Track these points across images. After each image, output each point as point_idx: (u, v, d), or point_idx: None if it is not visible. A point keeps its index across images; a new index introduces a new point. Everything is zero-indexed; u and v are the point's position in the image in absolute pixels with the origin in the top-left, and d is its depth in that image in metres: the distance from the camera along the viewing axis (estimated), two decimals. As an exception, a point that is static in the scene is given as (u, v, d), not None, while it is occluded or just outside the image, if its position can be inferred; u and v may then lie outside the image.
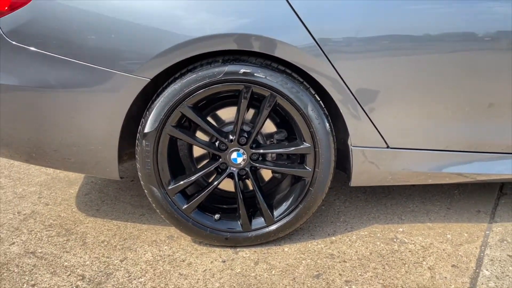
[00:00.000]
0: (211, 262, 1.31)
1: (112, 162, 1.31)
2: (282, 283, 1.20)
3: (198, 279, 1.24)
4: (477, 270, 1.23)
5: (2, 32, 1.23)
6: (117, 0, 1.18)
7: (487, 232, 1.44)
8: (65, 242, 1.44)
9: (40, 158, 1.39)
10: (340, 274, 1.24)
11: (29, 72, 1.25)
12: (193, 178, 1.31)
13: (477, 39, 1.22)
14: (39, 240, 1.45)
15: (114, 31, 1.18)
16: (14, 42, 1.23)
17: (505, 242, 1.38)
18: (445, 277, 1.21)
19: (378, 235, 1.44)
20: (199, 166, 1.43)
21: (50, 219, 1.60)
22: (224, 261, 1.31)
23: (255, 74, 1.21)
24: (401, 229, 1.47)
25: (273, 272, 1.25)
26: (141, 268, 1.29)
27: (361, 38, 1.19)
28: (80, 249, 1.40)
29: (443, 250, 1.34)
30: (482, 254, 1.31)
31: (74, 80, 1.23)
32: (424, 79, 1.23)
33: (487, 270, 1.23)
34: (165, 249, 1.39)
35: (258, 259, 1.31)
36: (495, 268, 1.24)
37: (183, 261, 1.32)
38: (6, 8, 1.22)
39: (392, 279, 1.21)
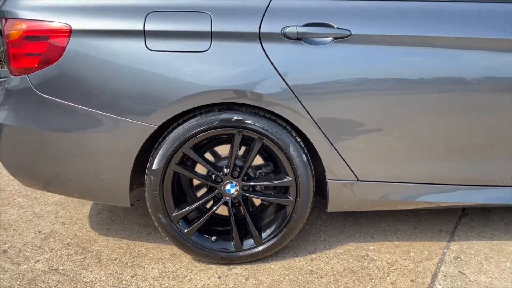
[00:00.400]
0: (209, 278, 1.54)
1: (124, 191, 1.54)
2: (268, 296, 1.44)
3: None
4: (432, 285, 1.47)
5: (31, 85, 1.46)
6: (131, 65, 1.41)
7: (445, 250, 1.68)
8: (82, 259, 1.67)
9: (57, 189, 1.63)
10: (317, 288, 1.48)
11: (53, 118, 1.48)
12: (193, 206, 1.55)
13: (431, 83, 1.44)
14: (60, 258, 1.68)
15: (128, 87, 1.41)
16: (41, 93, 1.46)
17: (458, 259, 1.62)
18: (401, 286, 1.45)
19: (352, 252, 1.68)
20: (198, 195, 1.67)
21: (67, 238, 1.83)
22: (219, 277, 1.54)
23: (245, 121, 1.44)
24: (372, 247, 1.71)
25: (261, 287, 1.48)
26: (149, 283, 1.52)
27: (330, 91, 1.42)
28: (96, 266, 1.63)
29: (405, 266, 1.58)
30: (437, 270, 1.55)
31: (93, 126, 1.46)
32: (386, 122, 1.47)
33: (439, 284, 1.47)
34: (169, 266, 1.62)
35: (248, 275, 1.55)
36: (446, 283, 1.48)
37: (184, 277, 1.55)
38: (36, 65, 1.45)
39: (360, 292, 1.45)
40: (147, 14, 1.41)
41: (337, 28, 1.39)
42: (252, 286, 1.49)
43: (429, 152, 1.52)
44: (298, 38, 1.39)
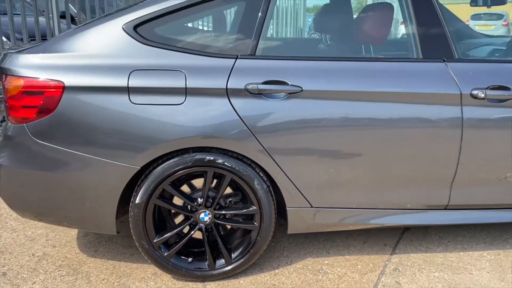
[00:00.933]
0: (186, 293, 1.80)
1: (111, 221, 1.78)
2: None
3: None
4: (372, 294, 1.78)
5: (29, 132, 1.68)
6: (117, 116, 1.65)
7: (386, 262, 1.99)
8: (74, 280, 1.90)
9: (50, 220, 1.86)
10: (278, 300, 1.76)
11: (48, 160, 1.70)
12: (172, 233, 1.81)
13: (367, 128, 1.74)
14: (54, 279, 1.90)
15: (115, 135, 1.66)
16: (37, 139, 1.68)
17: (397, 270, 1.93)
18: (350, 299, 1.75)
19: (309, 267, 1.97)
20: (176, 221, 1.92)
21: (59, 260, 2.05)
22: (196, 293, 1.81)
23: (216, 160, 1.71)
24: (326, 261, 2.01)
25: (230, 300, 1.75)
26: (135, 300, 1.77)
27: (285, 135, 1.70)
28: (86, 286, 1.86)
29: (352, 278, 1.88)
30: (378, 281, 1.86)
31: (85, 168, 1.69)
32: (332, 160, 1.76)
33: (379, 293, 1.78)
34: (152, 284, 1.87)
35: (221, 290, 1.82)
36: (385, 286, 1.79)
37: None
38: (33, 116, 1.67)
39: (314, 302, 1.74)
40: (130, 72, 1.66)
41: (291, 85, 1.67)
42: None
43: (372, 182, 1.82)
44: (259, 93, 1.67)
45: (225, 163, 1.71)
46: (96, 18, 1.89)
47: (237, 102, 1.67)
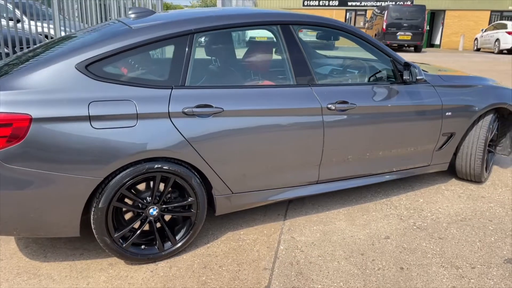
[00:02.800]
0: (144, 273, 2.30)
1: (76, 225, 2.17)
2: (187, 275, 2.30)
3: (140, 283, 2.23)
4: (277, 246, 2.58)
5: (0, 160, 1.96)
6: (82, 139, 2.05)
7: (282, 226, 2.82)
8: (38, 282, 2.21)
9: (24, 232, 2.14)
10: (216, 264, 2.40)
11: (21, 181, 2.01)
12: (128, 228, 2.28)
13: (267, 131, 2.50)
14: (19, 284, 2.18)
15: (82, 155, 2.06)
16: (7, 165, 1.97)
17: (290, 230, 2.77)
18: (263, 252, 2.51)
19: (230, 238, 2.66)
20: (126, 218, 2.39)
21: (14, 270, 2.30)
22: (151, 271, 2.32)
23: (163, 167, 2.25)
24: (242, 232, 2.73)
25: (181, 270, 2.33)
26: (103, 286, 2.19)
27: (213, 143, 2.35)
28: (53, 283, 2.20)
29: (262, 239, 2.64)
30: (280, 238, 2.66)
31: (53, 183, 2.05)
32: (246, 157, 2.48)
33: (281, 246, 2.59)
34: (111, 271, 2.31)
35: (170, 265, 2.37)
36: (284, 243, 2.60)
37: (127, 276, 2.28)
38: (3, 145, 1.95)
39: (242, 259, 2.44)
40: (89, 103, 2.08)
41: (215, 107, 2.32)
42: (175, 271, 2.33)
43: (271, 170, 2.60)
44: (193, 114, 2.27)
45: (170, 168, 2.27)
46: (46, 55, 2.20)
47: (177, 121, 2.24)
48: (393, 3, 25.49)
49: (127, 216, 2.43)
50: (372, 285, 2.21)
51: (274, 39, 2.70)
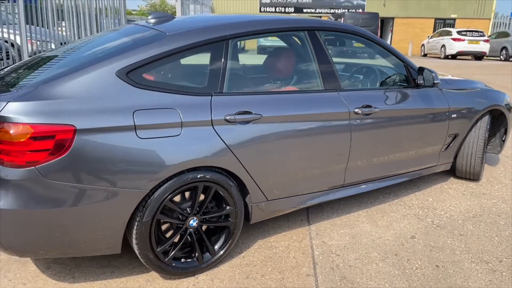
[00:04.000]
0: (186, 287, 2.21)
1: (119, 240, 2.05)
2: (232, 286, 2.23)
3: (186, 298, 2.14)
4: (311, 251, 2.57)
5: (40, 174, 1.80)
6: (128, 150, 1.93)
7: (309, 231, 2.82)
8: (76, 305, 2.05)
9: (57, 253, 1.98)
10: (257, 273, 2.35)
11: (62, 198, 1.86)
12: (169, 241, 2.18)
13: (303, 139, 2.50)
14: (55, 310, 2.01)
15: (129, 166, 1.94)
16: (49, 180, 1.82)
17: (318, 234, 2.78)
18: (300, 258, 2.49)
19: (263, 246, 2.62)
20: (164, 231, 2.28)
21: (44, 294, 2.12)
22: (193, 285, 2.23)
23: (206, 176, 2.17)
24: (271, 240, 2.69)
25: (224, 282, 2.26)
26: (149, 303, 2.08)
27: (253, 150, 2.31)
28: (93, 306, 2.05)
29: (295, 245, 2.63)
30: (311, 243, 2.66)
31: (97, 198, 1.92)
32: (282, 166, 2.46)
33: (316, 251, 2.59)
34: (152, 288, 2.20)
35: (211, 278, 2.29)
36: (319, 248, 2.61)
37: (169, 291, 2.18)
38: (45, 158, 1.80)
39: (281, 266, 2.41)
40: (134, 112, 1.97)
41: (254, 113, 2.29)
42: (218, 283, 2.25)
43: (303, 176, 2.59)
44: (234, 122, 2.22)
45: (212, 177, 2.20)
46: (80, 61, 2.07)
47: (219, 129, 2.18)
48: (346, 10, 26.43)
49: (163, 228, 2.32)
50: (416, 285, 2.26)
51: (302, 45, 2.71)
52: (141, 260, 2.15)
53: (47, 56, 2.51)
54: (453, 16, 27.85)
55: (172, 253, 2.20)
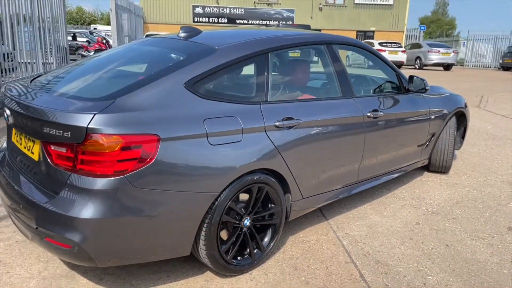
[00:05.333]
0: (246, 283, 2.36)
1: (189, 242, 2.15)
2: (287, 278, 2.43)
3: (250, 292, 2.29)
4: (340, 242, 2.85)
5: (129, 182, 1.88)
6: (202, 156, 2.06)
7: (329, 225, 3.10)
8: (149, 309, 2.11)
9: (138, 259, 2.04)
10: (303, 264, 2.57)
11: (148, 204, 1.94)
12: (231, 241, 2.33)
13: (334, 142, 2.79)
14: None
15: (205, 171, 2.07)
16: (137, 187, 1.90)
17: (339, 227, 3.07)
18: (333, 249, 2.76)
19: (296, 241, 2.84)
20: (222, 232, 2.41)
21: (112, 303, 2.14)
22: (251, 280, 2.39)
23: (260, 178, 2.36)
24: (301, 235, 2.93)
25: (277, 275, 2.45)
26: (219, 300, 2.21)
27: (296, 152, 2.54)
28: (166, 308, 2.13)
29: (323, 239, 2.89)
30: (337, 235, 2.94)
31: (178, 202, 2.02)
32: (316, 166, 2.72)
33: (344, 241, 2.87)
34: (214, 287, 2.32)
35: (264, 272, 2.46)
36: (345, 239, 2.90)
37: (231, 288, 2.32)
38: (134, 167, 1.88)
39: (321, 257, 2.65)
40: (204, 120, 2.11)
41: (296, 119, 2.53)
42: (272, 276, 2.43)
43: (331, 174, 2.87)
44: (282, 127, 2.44)
45: (264, 179, 2.39)
46: (150, 74, 2.16)
47: (270, 134, 2.38)
48: (277, 22, 27.51)
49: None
50: (437, 261, 2.65)
51: (322, 56, 3.01)
52: (205, 261, 2.27)
53: (89, 65, 2.53)
54: (372, 28, 30.31)
55: (233, 251, 2.35)
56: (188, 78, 2.16)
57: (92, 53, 19.69)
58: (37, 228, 1.96)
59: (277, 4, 28.23)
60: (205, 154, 2.09)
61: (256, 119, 2.33)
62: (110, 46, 19.94)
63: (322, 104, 2.78)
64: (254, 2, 27.98)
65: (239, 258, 2.43)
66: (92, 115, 1.84)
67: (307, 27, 14.70)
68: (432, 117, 3.81)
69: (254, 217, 2.46)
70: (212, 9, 27.62)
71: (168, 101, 2.06)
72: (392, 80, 3.55)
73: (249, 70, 2.53)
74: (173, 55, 2.43)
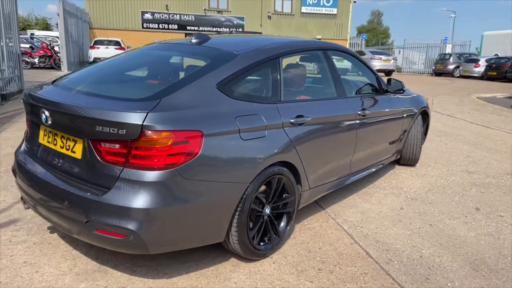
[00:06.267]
0: (270, 265, 2.59)
1: (225, 229, 2.36)
2: (304, 259, 2.70)
3: (278, 273, 2.53)
4: (340, 227, 3.18)
5: (179, 174, 2.06)
6: (236, 149, 2.29)
7: (328, 213, 3.42)
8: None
9: (182, 246, 2.22)
10: (315, 247, 2.85)
11: (194, 193, 2.13)
12: (257, 227, 2.56)
13: (336, 136, 3.11)
14: (176, 299, 2.22)
15: (236, 163, 2.30)
16: (186, 179, 2.09)
17: (336, 215, 3.40)
18: (336, 233, 3.07)
19: (302, 228, 3.12)
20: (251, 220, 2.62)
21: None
22: (274, 262, 2.63)
23: (278, 169, 2.62)
24: (305, 223, 3.22)
25: (295, 257, 2.71)
26: (249, 283, 2.42)
27: (306, 145, 2.83)
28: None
29: (325, 225, 3.20)
30: (337, 221, 3.27)
31: (219, 192, 2.23)
32: (321, 158, 3.03)
33: (344, 226, 3.20)
34: (242, 270, 2.52)
35: (284, 255, 2.72)
36: (345, 224, 3.23)
37: (259, 271, 2.54)
38: (183, 160, 2.07)
39: (328, 240, 2.95)
40: (235, 118, 2.34)
41: (305, 116, 2.82)
42: (291, 258, 2.69)
43: (331, 166, 3.19)
44: (296, 124, 2.72)
45: (281, 171, 2.66)
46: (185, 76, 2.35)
47: (287, 130, 2.66)
48: (228, 29, 27.87)
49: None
50: (426, 238, 3.05)
51: (321, 61, 3.33)
52: (235, 247, 2.47)
53: (113, 67, 2.65)
54: (318, 37, 31.56)
55: (258, 237, 2.58)
56: (219, 80, 2.38)
57: (37, 59, 18.77)
58: (87, 221, 2.08)
59: (227, 11, 28.61)
60: (239, 148, 2.32)
61: (275, 117, 2.60)
62: (55, 52, 19.12)
63: (324, 103, 3.11)
64: (205, 9, 28.14)
65: (261, 243, 2.66)
66: (145, 113, 2.00)
67: (259, 34, 15.46)
68: (405, 115, 4.28)
69: (272, 205, 2.71)
70: (162, 15, 27.40)
71: (205, 100, 2.27)
72: (373, 83, 3.97)
73: (265, 72, 2.79)
74: (197, 60, 2.63)
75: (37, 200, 2.35)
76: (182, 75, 2.55)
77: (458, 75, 25.16)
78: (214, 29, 28.04)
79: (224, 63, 2.50)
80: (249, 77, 2.64)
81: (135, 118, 1.99)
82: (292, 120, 2.70)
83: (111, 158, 2.07)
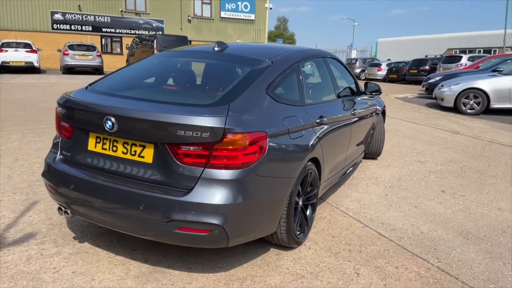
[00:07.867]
0: (307, 251, 2.89)
1: (277, 221, 2.60)
2: (331, 244, 3.03)
3: (317, 259, 2.83)
4: (346, 214, 3.59)
5: (253, 171, 2.28)
6: (290, 147, 2.55)
7: (330, 203, 3.81)
8: (253, 282, 2.49)
9: (251, 236, 2.43)
10: (336, 232, 3.21)
11: (264, 189, 2.36)
12: (298, 218, 2.84)
13: (343, 131, 3.50)
14: (245, 288, 2.41)
15: (288, 159, 2.57)
16: (259, 176, 2.31)
17: (338, 204, 3.80)
18: (346, 220, 3.47)
19: (314, 224, 3.47)
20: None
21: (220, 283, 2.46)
22: (309, 249, 2.93)
23: (308, 164, 2.93)
24: (316, 213, 3.57)
25: (324, 243, 3.03)
26: (298, 269, 2.69)
27: (324, 142, 3.18)
28: (261, 278, 2.54)
29: (333, 214, 3.58)
30: (340, 209, 3.67)
31: (278, 186, 2.47)
32: (333, 153, 3.39)
33: (349, 213, 3.61)
34: (286, 258, 2.78)
35: (314, 242, 3.03)
36: (349, 212, 3.64)
37: (300, 257, 2.81)
38: (255, 159, 2.28)
39: (344, 226, 3.33)
40: (283, 119, 2.60)
41: (323, 117, 3.17)
42: (321, 244, 3.01)
43: (336, 160, 3.57)
44: (319, 124, 3.06)
45: (311, 165, 2.98)
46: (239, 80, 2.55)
47: (315, 129, 2.98)
48: (146, 32, 27.19)
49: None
50: (418, 217, 3.59)
51: (322, 67, 3.70)
52: (282, 236, 2.72)
53: (157, 73, 2.74)
54: (238, 41, 32.28)
55: (297, 227, 2.86)
56: (266, 85, 2.62)
57: None
58: (168, 221, 2.18)
59: (146, 14, 27.89)
60: (289, 146, 2.59)
61: (306, 118, 2.90)
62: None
63: (331, 105, 3.50)
64: (121, 10, 27.09)
65: (297, 232, 2.95)
66: (225, 117, 2.18)
67: (185, 38, 15.91)
68: (374, 114, 4.86)
69: (304, 197, 3.01)
70: (74, 16, 25.77)
71: (261, 104, 2.50)
72: (354, 86, 4.46)
73: (293, 77, 3.07)
74: (236, 67, 2.83)
75: (96, 206, 2.36)
76: (227, 82, 2.72)
77: (364, 78, 27.63)
78: (132, 31, 27.15)
79: (265, 70, 2.74)
80: (283, 82, 2.91)
81: (218, 122, 2.15)
82: (318, 120, 3.03)
83: (190, 160, 2.20)
